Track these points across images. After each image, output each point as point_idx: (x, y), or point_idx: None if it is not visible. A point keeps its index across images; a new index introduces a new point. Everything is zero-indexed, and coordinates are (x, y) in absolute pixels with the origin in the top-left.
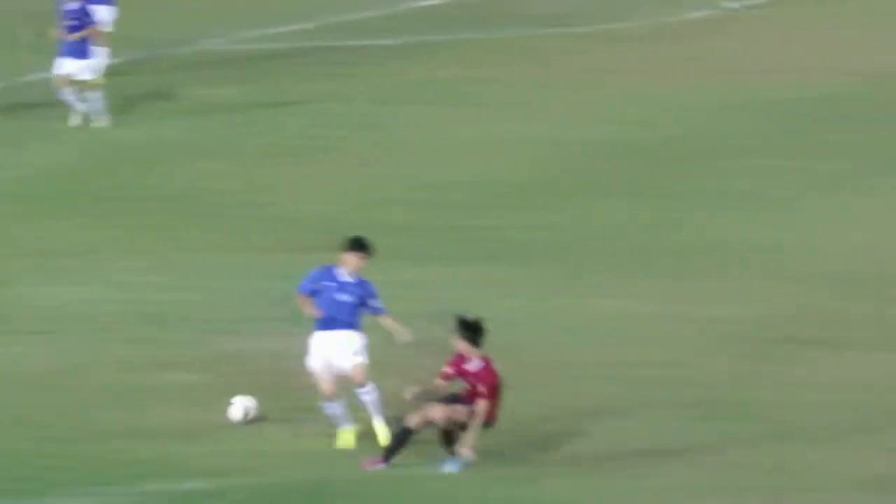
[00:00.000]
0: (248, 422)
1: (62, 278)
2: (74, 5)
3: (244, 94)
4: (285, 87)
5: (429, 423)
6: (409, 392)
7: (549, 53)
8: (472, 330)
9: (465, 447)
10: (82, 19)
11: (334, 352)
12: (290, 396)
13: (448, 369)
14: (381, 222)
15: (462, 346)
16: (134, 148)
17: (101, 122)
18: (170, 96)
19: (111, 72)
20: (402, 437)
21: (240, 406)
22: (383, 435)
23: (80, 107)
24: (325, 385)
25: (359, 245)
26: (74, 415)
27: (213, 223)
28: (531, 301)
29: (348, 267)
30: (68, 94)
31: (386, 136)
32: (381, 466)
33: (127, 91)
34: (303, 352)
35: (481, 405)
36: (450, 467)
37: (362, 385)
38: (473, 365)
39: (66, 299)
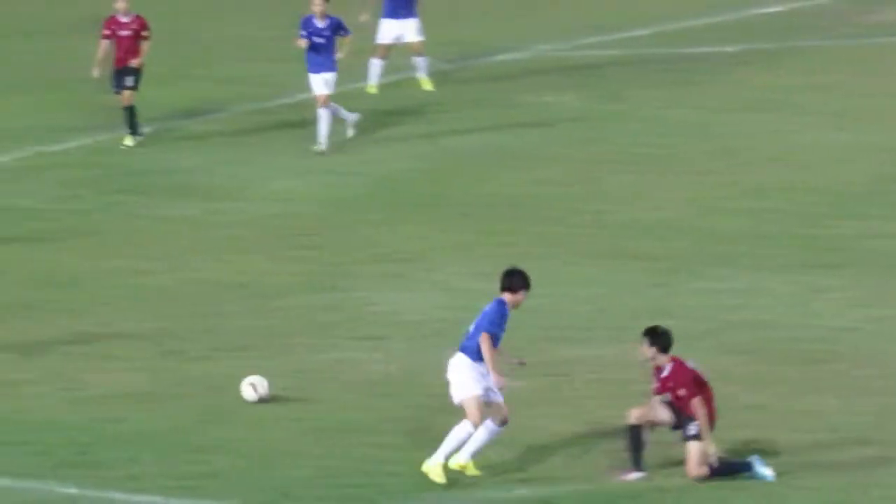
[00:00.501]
0: (262, 400)
1: (395, 284)
2: (323, 22)
3: (582, 101)
4: (623, 93)
5: (653, 424)
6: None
7: (891, 62)
8: (660, 337)
9: (706, 453)
10: (331, 35)
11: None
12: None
13: (655, 384)
14: (716, 229)
15: (650, 352)
16: (469, 154)
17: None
18: (506, 103)
19: (446, 79)
20: (635, 438)
21: (248, 387)
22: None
23: (351, 116)
24: (478, 412)
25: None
26: (407, 421)
27: (548, 230)
28: (874, 310)
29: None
30: (328, 111)
31: (723, 143)
32: (639, 475)
33: (462, 97)
34: (630, 362)
35: (695, 402)
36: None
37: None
38: (666, 371)
39: (399, 306)
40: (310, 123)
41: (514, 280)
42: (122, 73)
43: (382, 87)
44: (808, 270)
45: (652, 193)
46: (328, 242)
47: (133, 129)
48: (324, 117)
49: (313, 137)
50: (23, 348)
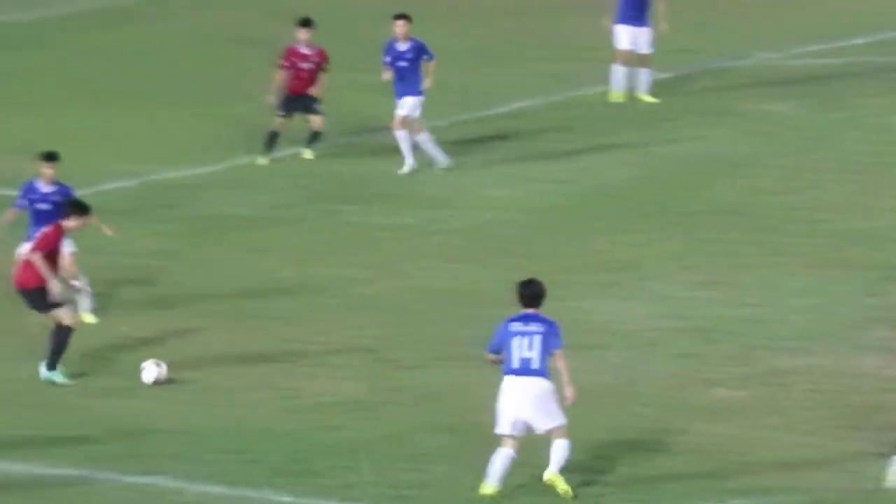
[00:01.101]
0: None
1: (610, 293)
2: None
3: (802, 110)
4: (846, 102)
5: None
6: None
7: None
8: None
9: None
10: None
11: None
12: (849, 417)
13: None
14: None
15: None
16: (686, 163)
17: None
18: (724, 111)
19: (665, 88)
20: None
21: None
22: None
23: (441, 160)
24: None
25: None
26: (620, 431)
27: (764, 238)
28: None
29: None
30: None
31: None
32: None
33: (681, 106)
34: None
35: None
36: None
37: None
38: None
39: (614, 315)
40: (527, 133)
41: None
42: (304, 101)
43: (600, 94)
44: None
45: (870, 202)
46: (542, 251)
47: (310, 145)
48: (401, 139)
49: (526, 148)
50: (239, 357)
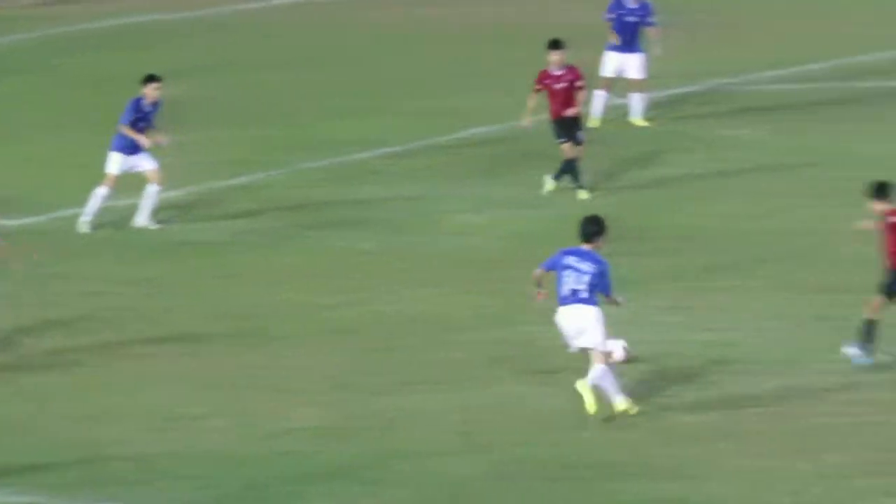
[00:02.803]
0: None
1: None
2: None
3: (760, 135)
4: (803, 128)
5: None
6: None
7: None
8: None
9: None
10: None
11: None
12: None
13: None
14: None
15: None
16: (648, 187)
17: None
18: (684, 136)
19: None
20: None
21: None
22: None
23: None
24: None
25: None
26: (578, 455)
27: (722, 262)
28: None
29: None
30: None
31: None
32: None
33: (641, 131)
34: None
35: None
36: None
37: None
38: None
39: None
40: (496, 158)
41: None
42: (567, 126)
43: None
44: None
45: (827, 227)
46: (509, 276)
47: (579, 182)
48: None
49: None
50: (198, 382)
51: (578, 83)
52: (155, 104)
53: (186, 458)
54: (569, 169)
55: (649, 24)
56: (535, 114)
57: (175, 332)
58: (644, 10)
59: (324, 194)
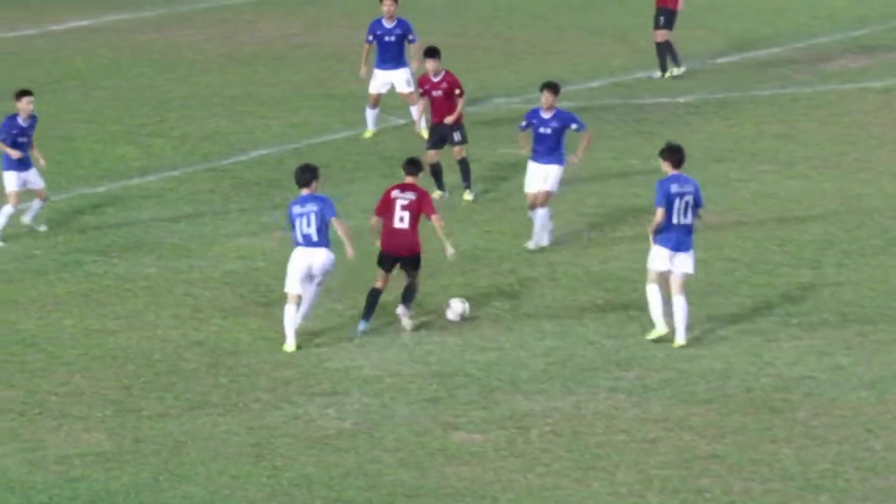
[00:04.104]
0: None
1: (352, 340)
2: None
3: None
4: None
5: None
6: None
7: (843, 109)
8: None
9: None
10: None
11: None
12: (585, 458)
13: None
14: None
15: None
16: None
17: None
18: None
19: (402, 130)
20: None
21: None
22: None
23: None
24: None
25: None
26: (363, 476)
27: (504, 282)
28: (829, 358)
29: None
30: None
31: None
32: None
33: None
34: (595, 415)
35: None
36: None
37: None
38: None
39: (352, 361)
40: (267, 181)
41: None
42: (441, 132)
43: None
44: (762, 319)
45: (606, 245)
46: (283, 299)
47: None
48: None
49: (268, 196)
50: None
51: (457, 91)
52: (31, 118)
53: None
54: (443, 171)
55: (411, 41)
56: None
57: None
58: (403, 28)
59: (104, 219)
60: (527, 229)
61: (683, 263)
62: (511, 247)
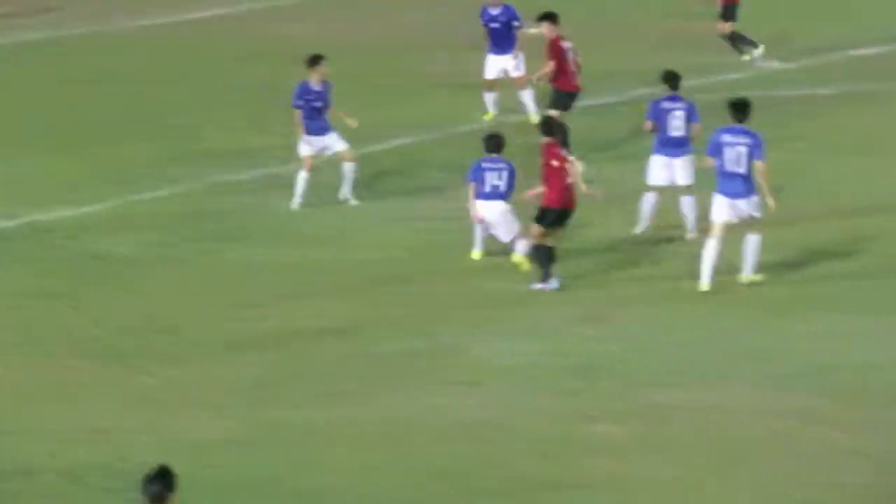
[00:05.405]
0: None
1: (490, 329)
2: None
3: None
4: None
5: None
6: None
7: None
8: None
9: None
10: None
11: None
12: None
13: None
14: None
15: None
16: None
17: None
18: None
19: None
20: None
21: None
22: None
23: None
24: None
25: None
26: (501, 467)
27: (644, 272)
28: None
29: None
30: None
31: (819, 187)
32: None
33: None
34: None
35: None
36: None
37: None
38: None
39: (493, 350)
40: (405, 170)
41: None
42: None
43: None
44: None
45: None
46: (422, 289)
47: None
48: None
49: (404, 185)
50: (118, 397)
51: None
52: (323, 83)
53: (116, 471)
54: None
55: (518, 28)
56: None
57: (99, 346)
58: (508, 13)
59: (242, 207)
60: (667, 216)
61: (746, 208)
62: (652, 234)
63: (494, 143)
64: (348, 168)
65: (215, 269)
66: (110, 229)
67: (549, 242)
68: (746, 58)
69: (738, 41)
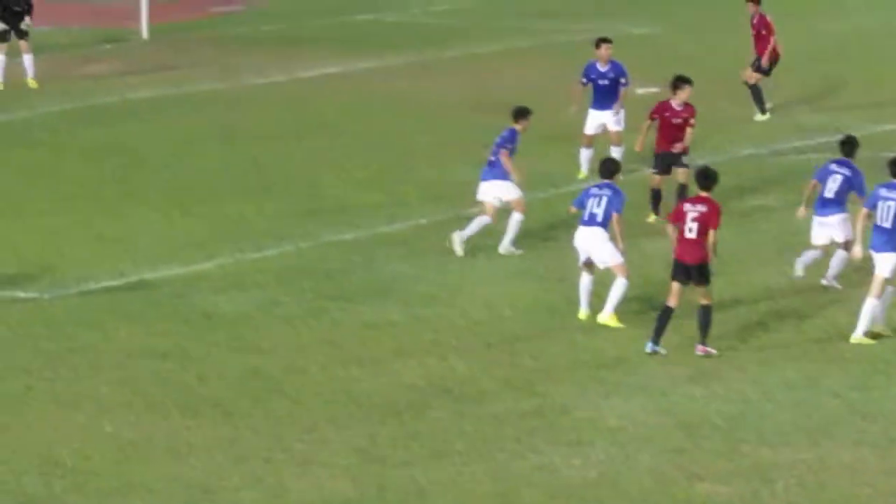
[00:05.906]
0: None
1: (595, 388)
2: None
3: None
4: None
5: None
6: None
7: None
8: None
9: None
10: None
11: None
12: None
13: None
14: None
15: None
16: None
17: None
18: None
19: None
20: None
21: None
22: None
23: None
24: None
25: None
26: None
27: (750, 334)
28: None
29: None
30: None
31: None
32: None
33: None
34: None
35: None
36: None
37: None
38: None
39: (598, 410)
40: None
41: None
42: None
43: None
44: None
45: None
46: (529, 348)
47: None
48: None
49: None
50: (226, 453)
51: (692, 121)
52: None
53: None
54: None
55: (624, 85)
56: None
57: (207, 404)
58: (617, 70)
59: (350, 265)
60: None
61: (882, 265)
62: (758, 291)
63: (605, 167)
64: (515, 218)
65: (324, 328)
66: (219, 287)
67: (671, 302)
68: (759, 117)
69: (755, 96)
